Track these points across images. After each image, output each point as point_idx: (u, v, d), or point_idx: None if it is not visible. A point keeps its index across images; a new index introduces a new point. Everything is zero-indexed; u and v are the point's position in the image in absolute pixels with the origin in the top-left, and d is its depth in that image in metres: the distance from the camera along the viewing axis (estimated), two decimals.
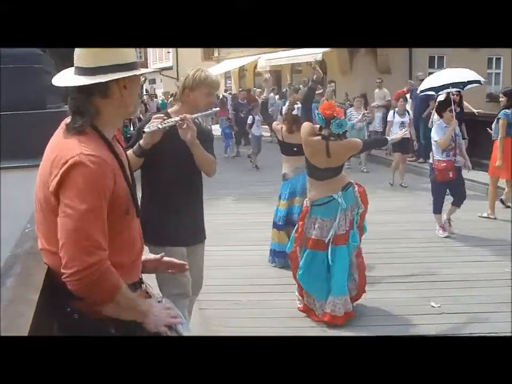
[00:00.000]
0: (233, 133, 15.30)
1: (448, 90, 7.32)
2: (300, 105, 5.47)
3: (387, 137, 5.36)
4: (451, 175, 6.62)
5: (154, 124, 2.89)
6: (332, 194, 4.42)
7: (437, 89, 7.73)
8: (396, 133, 9.77)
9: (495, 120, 7.80)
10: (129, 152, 2.94)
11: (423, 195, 9.29)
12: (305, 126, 4.58)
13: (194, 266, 3.28)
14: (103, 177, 1.76)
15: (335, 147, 4.34)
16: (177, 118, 2.94)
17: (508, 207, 8.12)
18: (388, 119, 10.50)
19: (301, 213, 4.75)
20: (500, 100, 8.03)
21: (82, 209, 1.71)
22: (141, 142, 2.97)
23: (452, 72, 7.81)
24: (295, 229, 4.83)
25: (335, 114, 4.31)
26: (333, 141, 4.33)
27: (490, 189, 7.89)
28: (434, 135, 6.83)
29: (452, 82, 7.32)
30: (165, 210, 3.18)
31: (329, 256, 4.42)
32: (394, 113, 10.34)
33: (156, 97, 22.01)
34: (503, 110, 7.71)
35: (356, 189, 4.57)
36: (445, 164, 6.64)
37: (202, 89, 3.16)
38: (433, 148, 6.83)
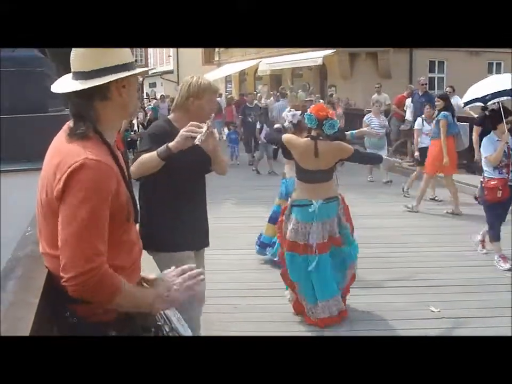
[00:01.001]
0: (238, 138, 14.72)
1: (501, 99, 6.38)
2: (296, 112, 5.52)
3: (382, 155, 5.23)
4: (500, 195, 5.77)
5: (199, 135, 2.83)
6: (312, 199, 4.41)
7: (484, 98, 6.66)
8: (425, 143, 8.83)
9: (435, 121, 8.40)
10: (150, 154, 2.94)
11: (422, 200, 9.30)
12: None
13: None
14: (106, 182, 1.77)
15: (323, 147, 4.37)
16: (205, 127, 2.88)
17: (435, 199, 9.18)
18: (416, 127, 9.28)
19: (282, 209, 4.82)
20: (436, 103, 8.66)
21: (83, 214, 1.71)
22: (171, 145, 2.88)
23: (498, 79, 6.98)
24: (277, 226, 4.90)
25: (329, 116, 4.36)
26: (322, 140, 4.38)
27: (424, 186, 8.57)
28: (484, 151, 6.01)
29: (501, 90, 6.30)
30: (175, 217, 3.15)
31: (313, 263, 4.42)
32: (422, 121, 9.14)
33: (166, 98, 21.27)
34: (442, 112, 8.33)
35: (342, 206, 4.55)
36: (495, 182, 5.80)
37: (207, 96, 3.16)
38: (483, 163, 6.07)
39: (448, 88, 11.60)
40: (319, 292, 4.49)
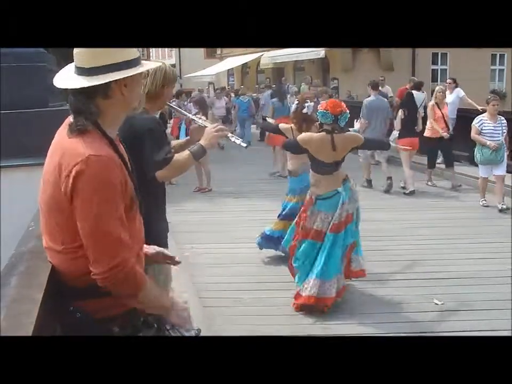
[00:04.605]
0: None
1: None
2: (310, 103, 5.60)
3: (391, 142, 5.33)
4: None
5: (232, 135, 3.04)
6: (337, 188, 4.63)
7: None
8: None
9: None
10: (184, 158, 2.91)
11: (426, 192, 9.31)
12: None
13: None
14: (113, 174, 1.78)
15: (339, 140, 4.56)
16: (212, 126, 3.01)
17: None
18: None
19: (304, 205, 4.89)
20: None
21: (98, 212, 1.73)
22: (206, 145, 2.92)
23: None
24: (294, 221, 5.04)
25: (343, 110, 4.54)
26: (337, 134, 4.56)
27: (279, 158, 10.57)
28: None
29: None
30: (159, 218, 3.13)
31: (327, 244, 4.59)
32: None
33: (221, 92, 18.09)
34: (271, 100, 11.06)
35: (352, 183, 4.79)
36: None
37: (173, 84, 3.22)
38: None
39: (449, 80, 11.53)
40: (324, 272, 4.58)
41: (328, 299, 4.58)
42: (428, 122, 9.56)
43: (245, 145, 3.08)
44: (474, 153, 8.04)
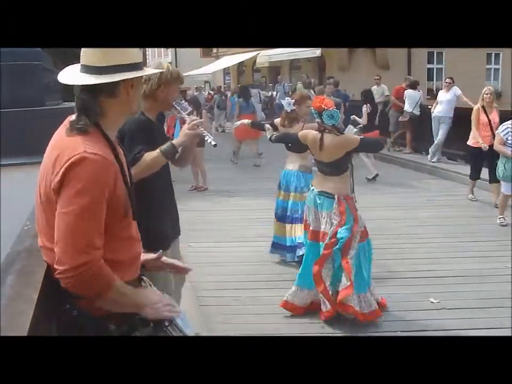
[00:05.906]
0: None
1: None
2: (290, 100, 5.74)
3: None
4: None
5: (208, 136, 3.11)
6: (312, 186, 4.59)
7: None
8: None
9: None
10: (153, 156, 2.90)
11: (422, 191, 9.32)
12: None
13: (176, 258, 3.29)
14: (104, 175, 1.76)
15: (328, 140, 4.43)
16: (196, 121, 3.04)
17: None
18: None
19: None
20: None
21: (80, 207, 1.71)
22: (176, 143, 2.94)
23: None
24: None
25: (324, 107, 4.39)
26: (328, 133, 4.45)
27: (254, 148, 12.43)
28: None
29: None
30: (161, 213, 3.14)
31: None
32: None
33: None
34: (238, 99, 13.30)
35: (337, 208, 4.38)
36: None
37: (175, 84, 3.19)
38: None
39: (447, 80, 11.58)
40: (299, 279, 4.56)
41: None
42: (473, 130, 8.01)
43: (214, 143, 3.13)
44: (496, 166, 6.92)
